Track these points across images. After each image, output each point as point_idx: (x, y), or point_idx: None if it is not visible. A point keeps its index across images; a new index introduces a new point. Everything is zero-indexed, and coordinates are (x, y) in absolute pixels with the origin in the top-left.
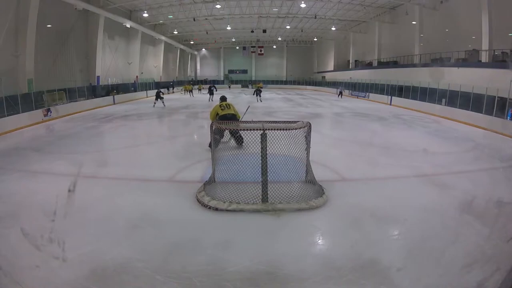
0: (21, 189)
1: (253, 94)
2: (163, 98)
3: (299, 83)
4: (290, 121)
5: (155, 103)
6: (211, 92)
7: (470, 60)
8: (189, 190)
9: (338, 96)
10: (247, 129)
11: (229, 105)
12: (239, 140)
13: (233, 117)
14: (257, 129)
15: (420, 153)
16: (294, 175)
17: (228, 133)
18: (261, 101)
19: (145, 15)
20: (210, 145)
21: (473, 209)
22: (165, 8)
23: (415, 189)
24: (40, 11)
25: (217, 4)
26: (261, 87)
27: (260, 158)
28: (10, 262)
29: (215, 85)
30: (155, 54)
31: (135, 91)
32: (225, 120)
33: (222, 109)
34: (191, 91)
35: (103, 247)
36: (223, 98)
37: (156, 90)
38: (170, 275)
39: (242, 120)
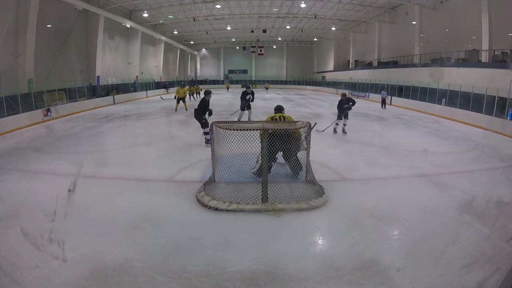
0: (21, 189)
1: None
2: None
3: (299, 83)
4: (290, 121)
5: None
6: (245, 104)
7: (470, 60)
8: (189, 190)
9: (382, 106)
10: (247, 130)
11: (284, 118)
12: (295, 168)
13: (290, 136)
14: (257, 129)
15: (420, 153)
16: (294, 175)
17: (281, 156)
18: (344, 133)
19: (145, 15)
20: (257, 173)
21: (473, 209)
22: (165, 8)
23: (415, 189)
24: (40, 11)
25: (217, 4)
26: (267, 88)
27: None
28: (10, 262)
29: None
30: (155, 54)
31: (135, 91)
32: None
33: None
34: (182, 99)
35: (103, 247)
36: (278, 109)
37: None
38: (170, 275)
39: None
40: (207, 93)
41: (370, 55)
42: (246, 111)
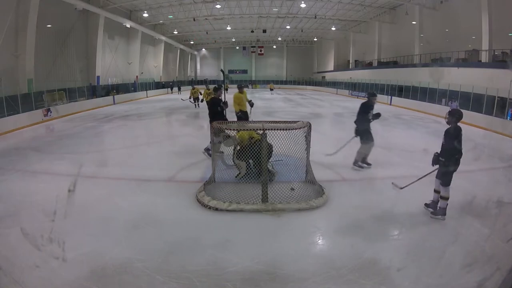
0: (21, 189)
1: None
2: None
3: (299, 83)
4: (290, 121)
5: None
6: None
7: (470, 60)
8: (189, 190)
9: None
10: (247, 129)
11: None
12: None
13: (270, 149)
14: (257, 129)
15: (420, 153)
16: (294, 175)
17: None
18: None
19: (145, 15)
20: (243, 177)
21: (473, 209)
22: (165, 8)
23: (415, 189)
24: (40, 11)
25: (217, 4)
26: (272, 89)
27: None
28: (10, 262)
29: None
30: (155, 54)
31: (135, 91)
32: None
33: (258, 133)
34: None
35: (103, 247)
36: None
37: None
38: (170, 275)
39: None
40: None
41: (370, 55)
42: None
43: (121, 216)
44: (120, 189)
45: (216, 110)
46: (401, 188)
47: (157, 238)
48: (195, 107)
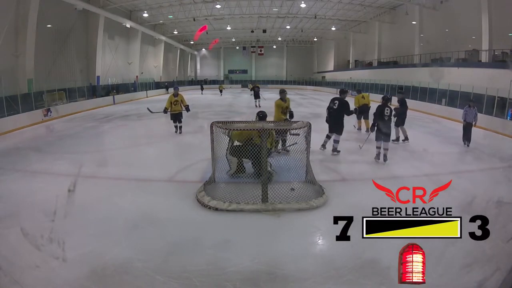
0: (21, 189)
1: None
2: None
3: (299, 83)
4: (290, 121)
5: None
6: None
7: (470, 60)
8: (189, 190)
9: (465, 142)
10: (247, 129)
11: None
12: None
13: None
14: (257, 129)
15: (420, 153)
16: (294, 175)
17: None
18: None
19: (145, 15)
20: (233, 175)
21: (473, 209)
22: (165, 8)
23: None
24: (40, 11)
25: (217, 4)
26: (257, 87)
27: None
28: (10, 262)
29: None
30: (155, 54)
31: (135, 91)
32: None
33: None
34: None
35: (103, 247)
36: (263, 117)
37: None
38: (170, 275)
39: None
40: (343, 92)
41: (370, 55)
42: None
43: (121, 216)
44: (120, 189)
45: (343, 114)
46: (360, 148)
47: (157, 238)
48: (176, 131)
